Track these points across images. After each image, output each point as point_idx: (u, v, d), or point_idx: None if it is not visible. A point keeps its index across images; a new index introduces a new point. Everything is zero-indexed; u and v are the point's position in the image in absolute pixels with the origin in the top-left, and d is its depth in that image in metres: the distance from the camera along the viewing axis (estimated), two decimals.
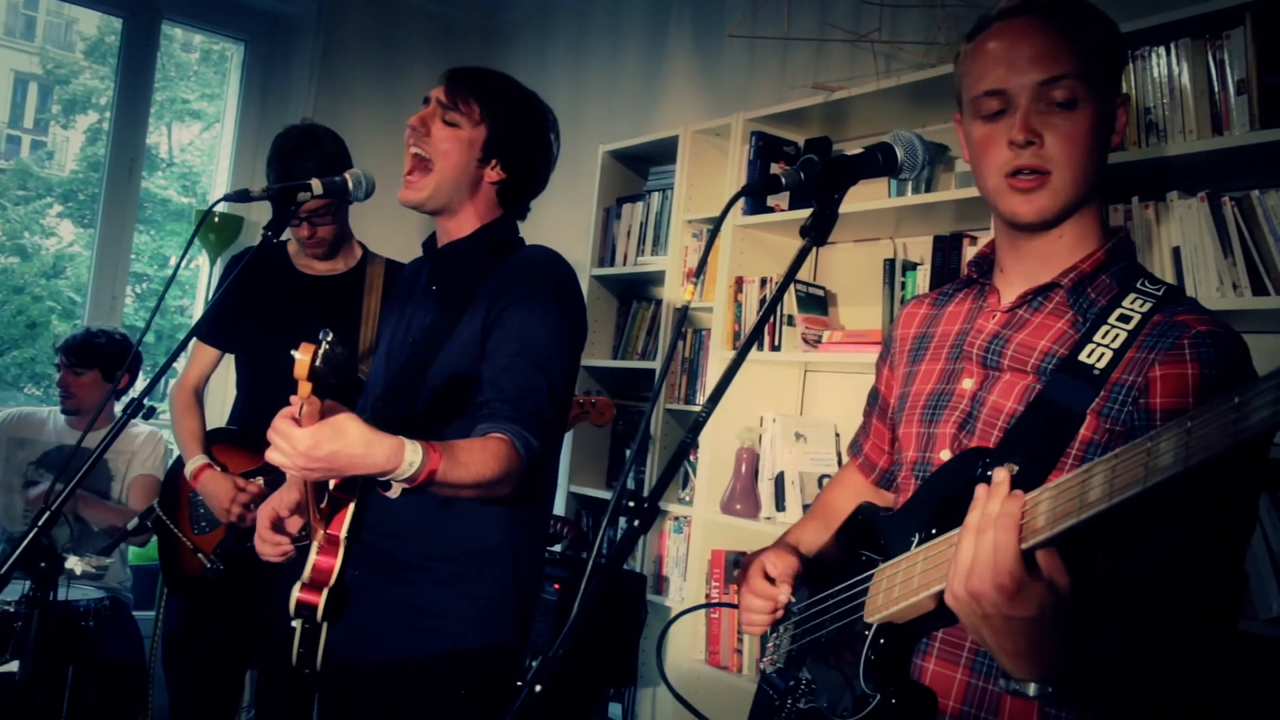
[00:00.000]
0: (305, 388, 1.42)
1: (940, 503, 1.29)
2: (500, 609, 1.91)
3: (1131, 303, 1.30)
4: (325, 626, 1.82)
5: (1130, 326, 1.27)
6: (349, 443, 1.48)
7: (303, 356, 1.38)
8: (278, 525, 1.86)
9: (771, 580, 1.51)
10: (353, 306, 2.77)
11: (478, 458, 1.68)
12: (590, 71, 4.65)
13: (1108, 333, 1.28)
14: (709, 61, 4.07)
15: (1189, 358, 1.22)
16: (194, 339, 2.86)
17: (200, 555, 2.66)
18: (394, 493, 1.59)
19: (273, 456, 1.49)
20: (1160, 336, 1.25)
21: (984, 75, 1.33)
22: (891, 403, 1.58)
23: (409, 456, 1.55)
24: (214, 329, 2.84)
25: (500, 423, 1.77)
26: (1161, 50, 2.36)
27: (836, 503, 1.68)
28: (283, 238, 2.93)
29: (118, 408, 3.71)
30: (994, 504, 1.10)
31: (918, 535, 1.29)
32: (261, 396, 2.75)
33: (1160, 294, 1.31)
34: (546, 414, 1.83)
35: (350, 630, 1.84)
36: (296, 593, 1.74)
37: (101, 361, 3.59)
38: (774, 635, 1.56)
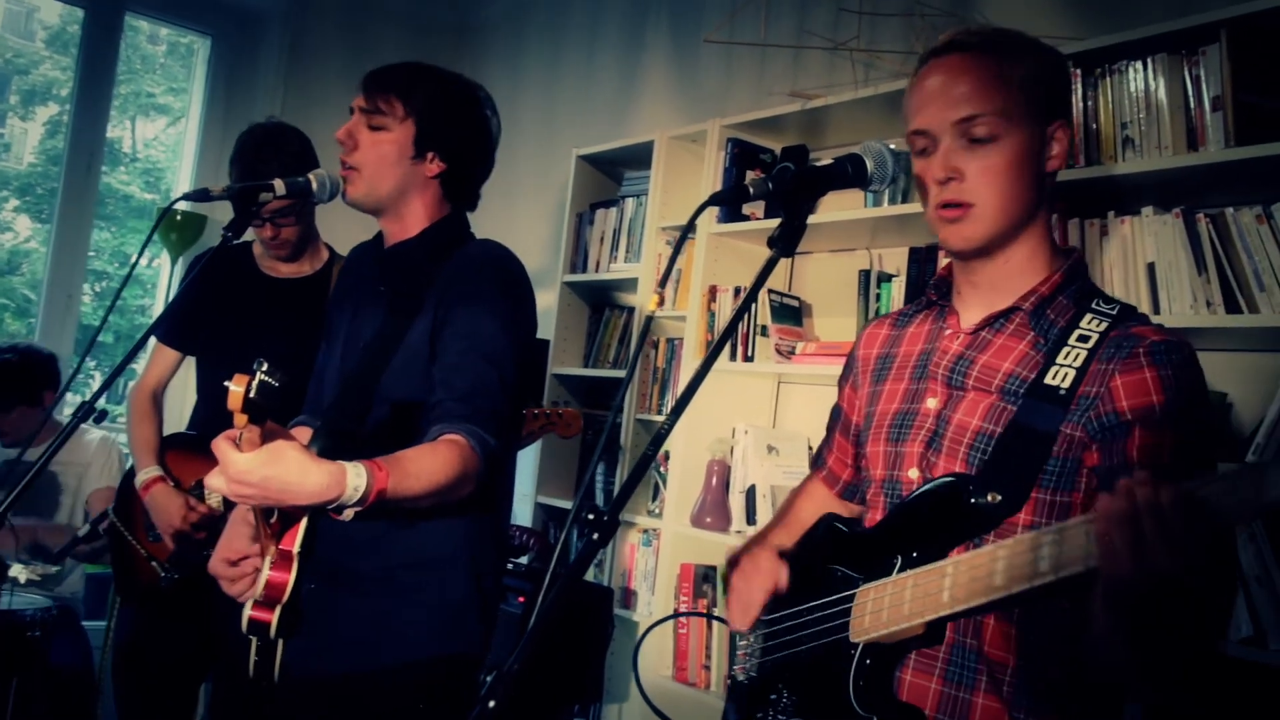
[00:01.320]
0: (240, 419, 1.41)
1: (922, 527, 1.35)
2: (460, 617, 1.90)
3: (1089, 323, 1.38)
4: (281, 642, 1.80)
5: (1089, 345, 1.35)
6: (285, 470, 1.46)
7: (235, 388, 1.37)
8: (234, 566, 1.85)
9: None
10: (317, 310, 2.76)
11: (429, 465, 1.65)
12: (565, 74, 4.66)
13: (1069, 353, 1.35)
14: (686, 66, 4.09)
15: (1145, 364, 1.30)
16: (153, 340, 2.85)
17: (155, 564, 2.64)
18: (346, 516, 1.58)
19: (210, 480, 1.48)
20: (1117, 348, 1.33)
21: (913, 115, 1.43)
22: (856, 421, 1.64)
23: (352, 482, 1.52)
24: (174, 330, 2.82)
25: (454, 422, 1.75)
26: (1138, 65, 2.39)
27: (802, 512, 1.73)
28: (247, 239, 2.93)
29: (67, 410, 3.67)
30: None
31: (900, 558, 1.35)
32: (222, 401, 2.72)
33: (1115, 313, 1.39)
34: (502, 410, 1.82)
35: (307, 644, 1.83)
36: (249, 610, 1.72)
37: (18, 393, 3.52)
38: (745, 642, 1.58)
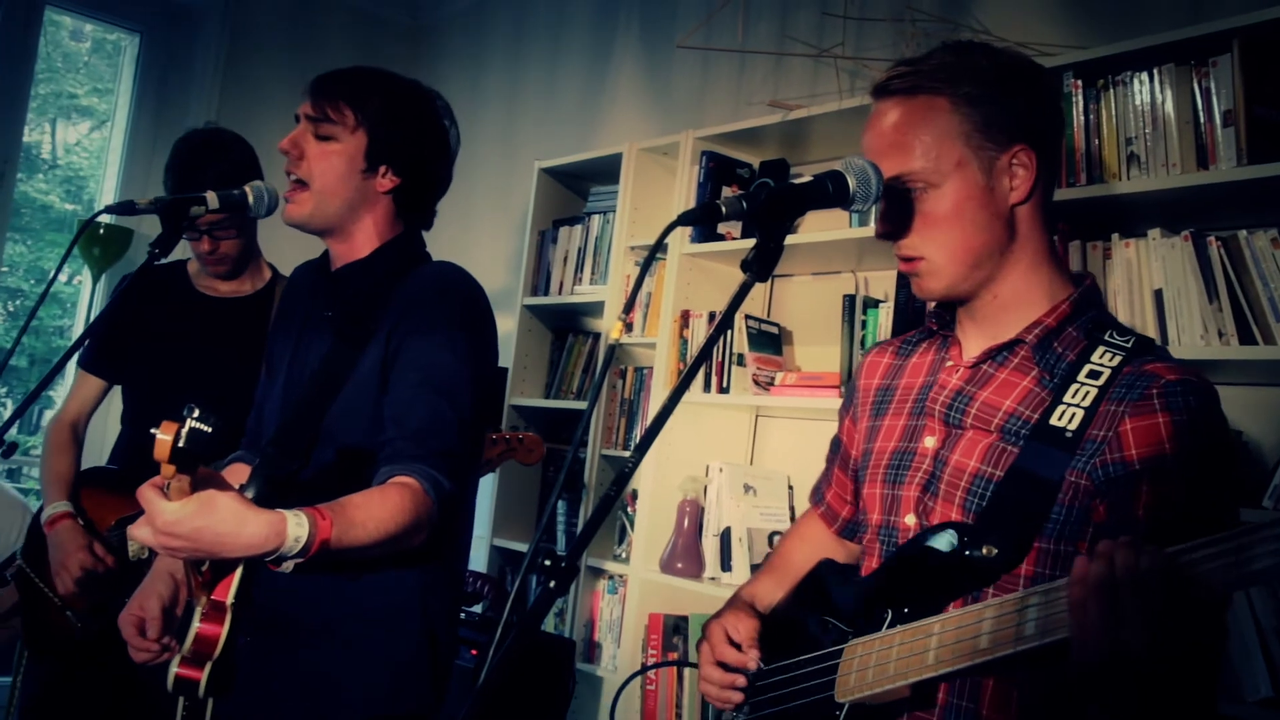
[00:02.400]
0: (168, 470, 1.39)
1: (915, 580, 1.35)
2: (411, 672, 1.87)
3: (1100, 357, 1.37)
4: (211, 701, 1.76)
5: (1100, 382, 1.34)
6: (218, 520, 1.44)
7: (164, 437, 1.35)
8: (143, 630, 1.83)
9: (738, 647, 1.55)
10: (259, 332, 2.72)
11: (377, 512, 1.63)
12: (528, 79, 4.65)
13: (1078, 391, 1.34)
14: (657, 73, 4.10)
15: (1159, 407, 1.29)
16: (74, 367, 2.80)
17: (69, 614, 2.57)
18: (286, 568, 1.55)
19: (135, 532, 1.46)
20: (1129, 388, 1.32)
21: None
22: (855, 457, 1.63)
23: (292, 532, 1.50)
24: (99, 356, 2.77)
25: (405, 463, 1.73)
26: (1144, 76, 2.41)
27: (795, 555, 1.74)
28: (183, 255, 2.89)
29: None
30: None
31: (891, 613, 1.35)
32: (148, 432, 2.68)
33: (1130, 346, 1.38)
34: (456, 450, 1.79)
35: (241, 703, 1.78)
36: (175, 667, 1.68)
37: None
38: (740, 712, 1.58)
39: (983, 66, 1.41)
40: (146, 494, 1.44)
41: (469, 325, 1.88)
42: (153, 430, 1.35)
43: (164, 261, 2.88)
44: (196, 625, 1.70)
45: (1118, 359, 1.35)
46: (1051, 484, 1.31)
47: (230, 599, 1.71)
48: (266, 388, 2.08)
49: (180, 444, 1.35)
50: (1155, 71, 2.39)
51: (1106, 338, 1.39)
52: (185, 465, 1.40)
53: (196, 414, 1.35)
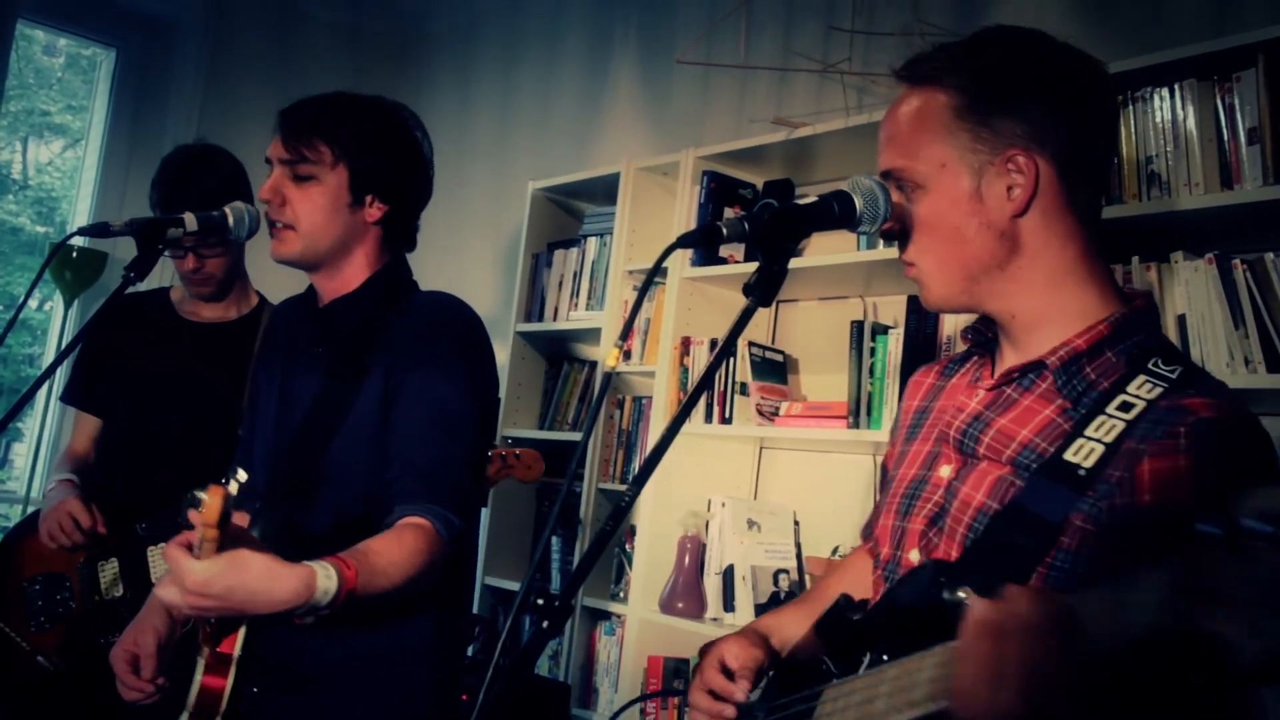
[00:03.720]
0: (210, 533, 1.42)
1: (896, 620, 1.29)
2: (425, 715, 1.88)
3: (1139, 387, 1.27)
4: None
5: (1130, 416, 1.25)
6: (250, 578, 1.47)
7: (212, 501, 1.38)
8: (136, 667, 1.84)
9: (730, 675, 1.50)
10: (245, 359, 2.72)
11: (396, 557, 1.66)
12: (522, 96, 4.67)
13: (1103, 424, 1.26)
14: (657, 89, 4.11)
15: (1183, 448, 1.18)
16: (61, 404, 2.81)
17: (40, 659, 2.55)
18: (309, 620, 1.56)
19: (162, 593, 1.48)
20: (1156, 423, 1.22)
21: None
22: None
23: (322, 585, 1.53)
24: (88, 392, 2.77)
25: (415, 503, 1.76)
26: (1164, 92, 2.41)
27: (830, 590, 1.66)
28: (164, 283, 2.89)
29: None
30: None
31: (869, 655, 1.30)
32: (127, 465, 2.67)
33: (1175, 377, 1.28)
34: (465, 486, 1.83)
35: None
36: None
37: None
38: None
39: (992, 59, 1.36)
40: (174, 555, 1.46)
41: (470, 357, 1.91)
42: (198, 493, 1.38)
43: (146, 288, 2.89)
44: (200, 678, 1.70)
45: (1157, 391, 1.26)
46: (1051, 525, 1.23)
47: (237, 651, 1.73)
48: (252, 430, 2.08)
49: (228, 509, 1.39)
50: (1177, 87, 2.40)
51: (1150, 366, 1.29)
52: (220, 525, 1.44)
53: (244, 479, 1.41)
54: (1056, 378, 1.33)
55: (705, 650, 1.56)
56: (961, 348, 1.59)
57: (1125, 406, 1.26)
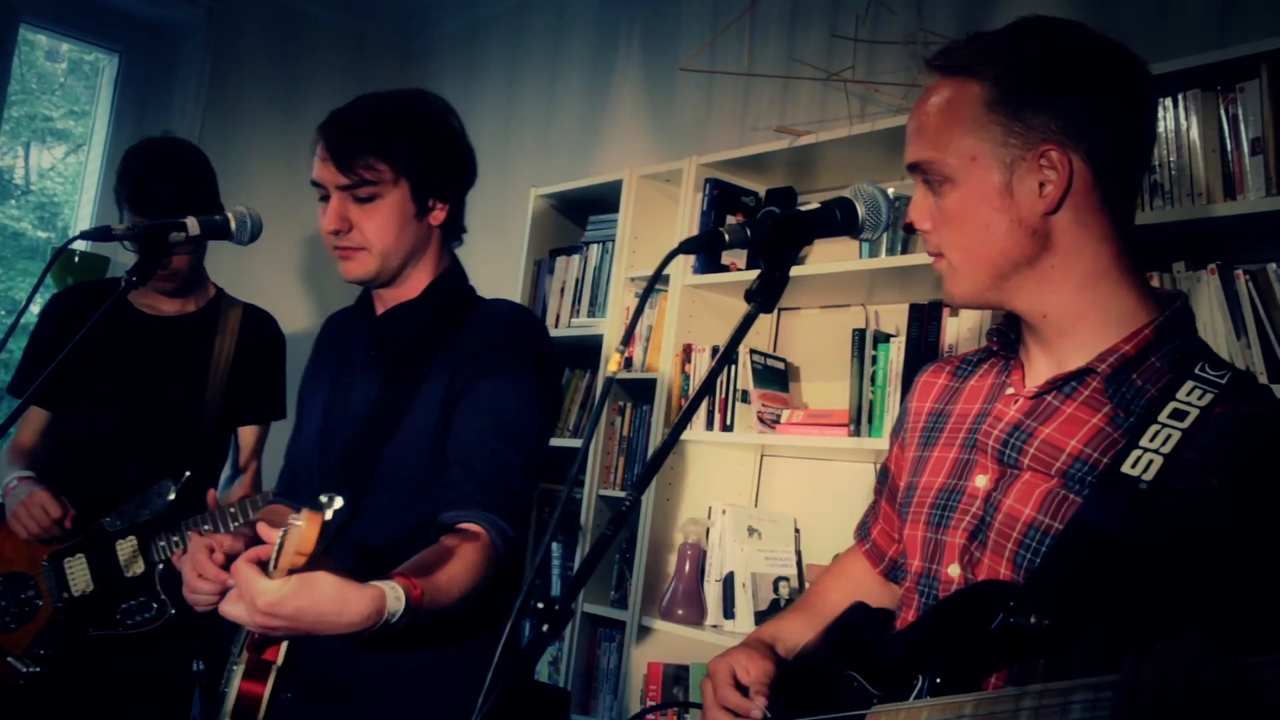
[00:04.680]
0: (302, 560, 1.39)
1: (950, 645, 1.25)
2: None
3: (1189, 394, 1.24)
4: None
5: (1185, 425, 1.22)
6: (320, 599, 1.43)
7: (309, 530, 1.34)
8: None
9: (744, 690, 1.46)
10: (203, 352, 2.72)
11: (458, 572, 1.63)
12: (524, 103, 4.67)
13: (1158, 434, 1.22)
14: (659, 97, 4.11)
15: (1260, 464, 1.17)
16: (5, 396, 2.79)
17: (11, 660, 2.53)
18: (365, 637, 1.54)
19: (229, 609, 1.45)
20: (1221, 435, 1.20)
21: None
22: (901, 490, 1.55)
23: (391, 606, 1.49)
24: (41, 386, 2.75)
25: (470, 509, 1.74)
26: (1168, 102, 2.41)
27: (831, 595, 1.64)
28: (116, 274, 2.88)
29: None
30: None
31: (921, 679, 1.25)
32: (87, 460, 2.66)
33: (1224, 382, 1.25)
34: (522, 497, 1.82)
35: None
36: None
37: None
38: None
39: (1031, 53, 1.31)
40: (245, 572, 1.43)
41: (536, 367, 1.90)
42: (295, 521, 1.34)
43: (98, 280, 2.90)
44: (238, 684, 1.69)
45: (1208, 398, 1.23)
46: (1118, 543, 1.19)
47: (280, 659, 1.73)
48: (298, 434, 2.07)
49: (324, 537, 1.36)
50: (1180, 97, 2.40)
51: (1197, 371, 1.26)
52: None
53: (339, 505, 1.38)
54: (1107, 385, 1.30)
55: (714, 665, 1.52)
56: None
57: (1178, 414, 1.23)
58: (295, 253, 4.70)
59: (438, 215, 1.94)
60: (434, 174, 1.91)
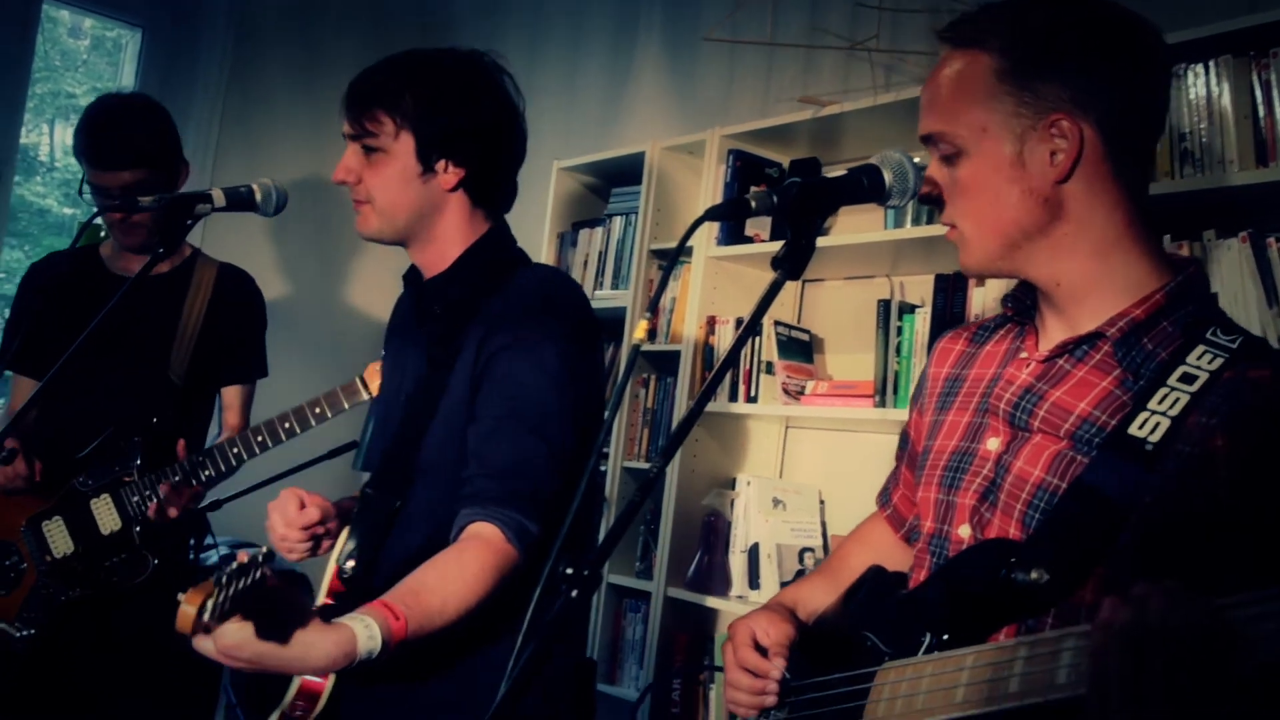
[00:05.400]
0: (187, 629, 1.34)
1: (956, 601, 1.28)
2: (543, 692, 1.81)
3: (1199, 358, 1.25)
4: None
5: (1193, 388, 1.22)
6: (281, 648, 1.41)
7: (187, 608, 1.29)
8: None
9: (764, 652, 1.49)
10: (172, 307, 2.72)
11: (456, 589, 1.58)
12: (545, 75, 4.66)
13: (1166, 397, 1.23)
14: (682, 68, 4.09)
15: (1255, 424, 1.17)
16: (19, 375, 2.80)
17: (3, 626, 2.55)
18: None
19: (200, 644, 1.42)
20: (1227, 398, 1.20)
21: None
22: (918, 454, 1.56)
23: (364, 646, 1.46)
24: (26, 355, 2.76)
25: (486, 506, 1.66)
26: (1199, 69, 2.39)
27: (853, 560, 1.66)
28: (92, 240, 2.90)
29: None
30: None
31: (928, 636, 1.28)
32: (65, 421, 2.67)
33: (1235, 346, 1.25)
34: (545, 487, 1.69)
35: None
36: None
37: None
38: (771, 710, 1.53)
39: (1036, 21, 1.32)
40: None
41: (563, 342, 1.76)
42: (180, 596, 1.30)
43: (75, 247, 2.91)
44: (299, 680, 1.68)
45: (1218, 362, 1.23)
46: (1121, 504, 1.20)
47: None
48: (373, 408, 2.05)
49: (205, 617, 1.30)
50: (1211, 64, 2.37)
51: (1208, 335, 1.27)
52: (236, 611, 1.36)
53: (229, 575, 1.30)
54: (1116, 349, 1.31)
55: (735, 627, 1.54)
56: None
57: (1187, 378, 1.23)
58: (319, 225, 4.70)
59: (448, 178, 1.82)
60: (443, 129, 1.80)
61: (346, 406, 2.34)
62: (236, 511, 3.05)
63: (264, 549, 1.37)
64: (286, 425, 2.43)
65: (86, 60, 5.41)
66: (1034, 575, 1.20)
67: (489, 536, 1.64)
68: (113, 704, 2.66)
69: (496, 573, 1.62)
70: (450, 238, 1.87)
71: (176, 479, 2.46)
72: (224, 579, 1.28)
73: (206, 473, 2.48)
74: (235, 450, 2.47)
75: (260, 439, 2.45)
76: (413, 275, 1.95)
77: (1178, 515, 1.20)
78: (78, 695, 2.60)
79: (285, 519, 1.76)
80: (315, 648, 1.43)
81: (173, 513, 2.48)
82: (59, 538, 2.55)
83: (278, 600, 1.43)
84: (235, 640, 1.38)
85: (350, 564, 1.79)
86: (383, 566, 1.77)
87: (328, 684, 1.68)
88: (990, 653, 1.16)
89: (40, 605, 2.54)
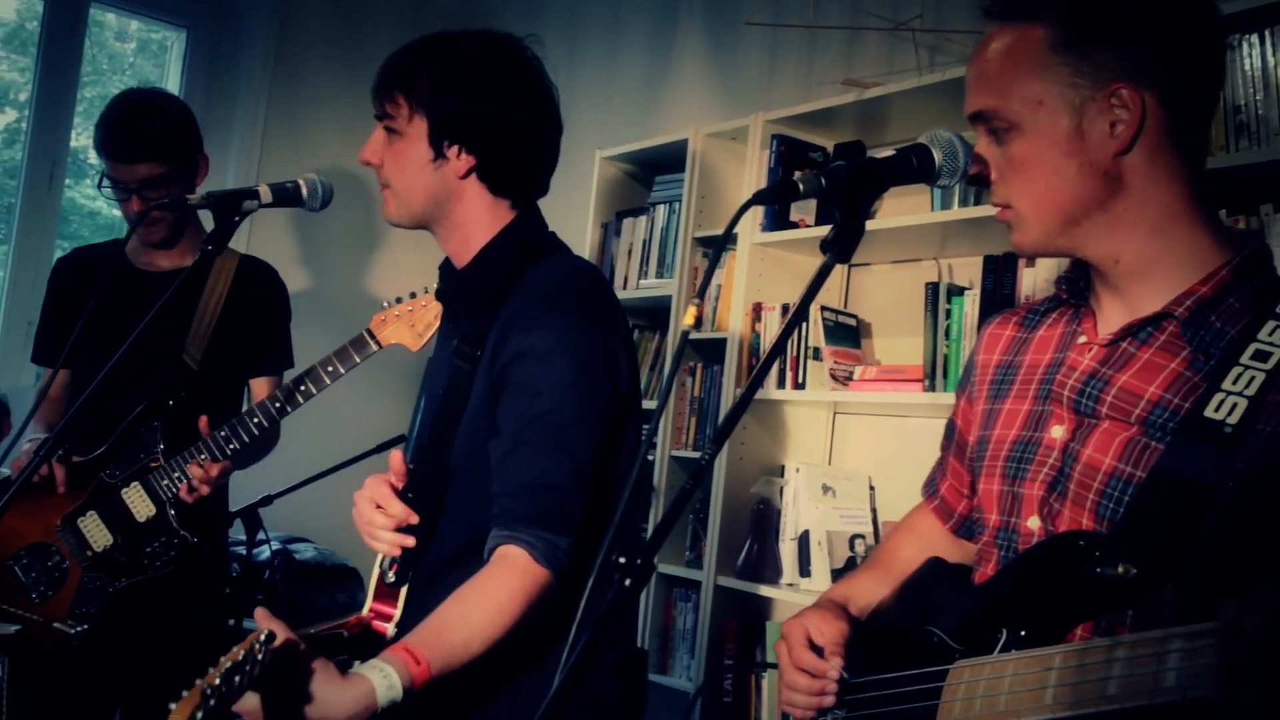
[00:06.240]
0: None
1: (1034, 597, 1.24)
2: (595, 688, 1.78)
3: (1271, 334, 1.22)
4: None
5: (1269, 365, 1.19)
6: (304, 710, 1.43)
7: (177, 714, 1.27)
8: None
9: (819, 651, 1.46)
10: (190, 297, 2.73)
11: (479, 622, 1.56)
12: (586, 63, 4.65)
13: (1240, 376, 1.20)
14: (724, 53, 4.07)
15: None
16: (48, 368, 2.85)
17: (55, 626, 2.58)
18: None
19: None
20: None
21: None
22: (971, 444, 1.52)
23: (384, 696, 1.46)
24: (53, 349, 2.80)
25: (513, 529, 1.62)
26: (1254, 38, 2.34)
27: (902, 552, 1.64)
28: (117, 238, 2.91)
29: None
30: None
31: (1005, 633, 1.24)
32: (93, 414, 2.66)
33: None
34: (573, 502, 1.65)
35: None
36: None
37: None
38: (827, 716, 1.51)
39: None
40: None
41: (576, 342, 1.69)
42: (170, 707, 1.27)
43: (99, 242, 2.93)
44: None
45: None
46: (1204, 490, 1.16)
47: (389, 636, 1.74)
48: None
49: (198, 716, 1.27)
50: (1267, 33, 2.32)
51: (1279, 310, 1.23)
52: (252, 688, 1.37)
53: (216, 685, 1.27)
54: (1184, 329, 1.27)
55: (788, 626, 1.51)
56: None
57: (1261, 355, 1.20)
58: (364, 219, 4.72)
59: (459, 165, 1.76)
60: (455, 114, 1.75)
61: (358, 360, 2.33)
62: (287, 507, 3.08)
63: (262, 633, 1.36)
64: (302, 387, 2.42)
65: (133, 63, 5.46)
66: (1120, 570, 1.17)
67: (516, 559, 1.61)
68: (155, 691, 2.70)
69: (524, 597, 1.60)
70: (472, 227, 1.82)
71: (203, 457, 2.48)
72: (210, 690, 1.26)
73: (232, 446, 2.49)
74: (255, 419, 2.47)
75: (278, 404, 2.45)
76: (447, 267, 1.92)
77: (1265, 498, 1.16)
78: (123, 683, 2.64)
79: (377, 498, 1.72)
80: (334, 706, 1.44)
81: (205, 490, 2.50)
82: (96, 532, 2.57)
83: (292, 659, 1.43)
84: (256, 705, 1.40)
85: (393, 571, 1.79)
86: (421, 570, 1.77)
87: None
88: (1080, 653, 1.12)
89: (91, 600, 2.57)
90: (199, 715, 1.24)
